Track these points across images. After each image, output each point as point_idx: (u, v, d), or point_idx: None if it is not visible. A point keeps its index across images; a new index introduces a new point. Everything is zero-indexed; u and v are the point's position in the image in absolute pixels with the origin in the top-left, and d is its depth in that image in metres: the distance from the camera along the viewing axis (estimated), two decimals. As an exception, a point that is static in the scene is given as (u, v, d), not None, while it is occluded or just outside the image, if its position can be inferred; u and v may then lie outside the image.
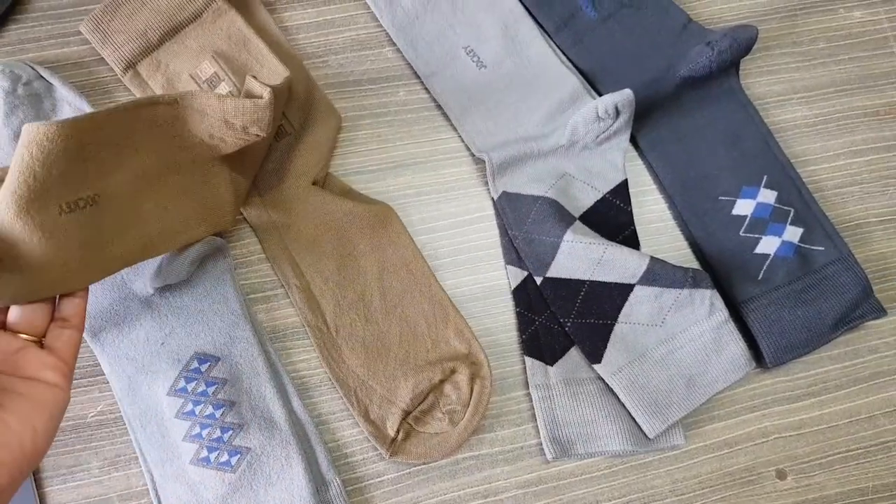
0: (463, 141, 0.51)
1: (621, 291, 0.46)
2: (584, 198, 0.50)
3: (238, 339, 0.46)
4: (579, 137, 0.50)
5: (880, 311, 0.48)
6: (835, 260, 0.49)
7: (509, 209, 0.49)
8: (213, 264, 0.47)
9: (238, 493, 0.44)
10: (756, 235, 0.49)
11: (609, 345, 0.46)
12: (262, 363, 0.46)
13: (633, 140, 0.52)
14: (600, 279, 0.47)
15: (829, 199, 0.52)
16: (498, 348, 0.48)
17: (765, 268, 0.48)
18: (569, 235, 0.47)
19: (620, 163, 0.51)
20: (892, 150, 0.53)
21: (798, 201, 0.50)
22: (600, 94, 0.52)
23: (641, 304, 0.46)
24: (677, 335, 0.46)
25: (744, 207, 0.50)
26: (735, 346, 0.46)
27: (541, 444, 0.46)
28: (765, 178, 0.51)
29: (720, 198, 0.50)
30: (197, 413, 0.45)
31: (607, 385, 0.46)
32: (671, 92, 0.52)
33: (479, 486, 0.45)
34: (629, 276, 0.46)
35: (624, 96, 0.49)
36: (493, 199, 0.50)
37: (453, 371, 0.46)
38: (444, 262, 0.49)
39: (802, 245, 0.49)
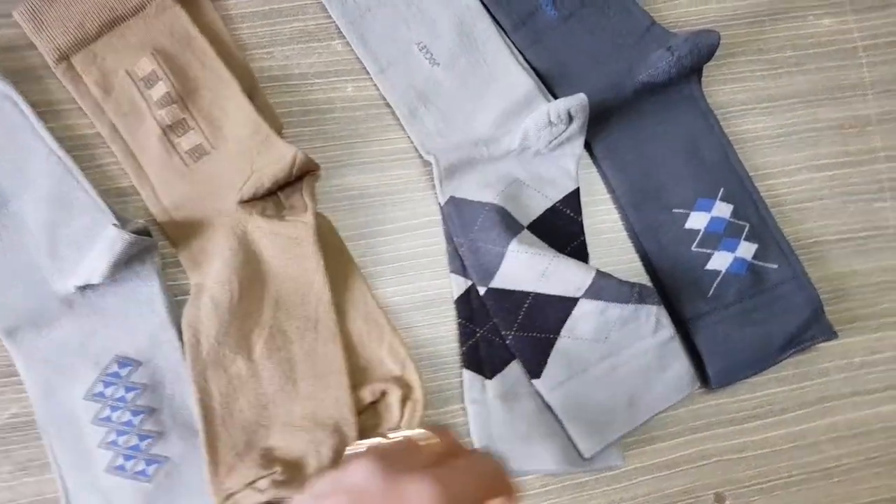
0: (412, 142, 0.49)
1: (565, 305, 0.45)
2: (534, 206, 0.48)
3: (162, 342, 0.44)
4: (531, 143, 0.48)
5: (831, 334, 0.46)
6: (788, 279, 0.47)
7: (456, 215, 0.47)
8: (139, 264, 0.45)
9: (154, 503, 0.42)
10: (708, 251, 0.48)
11: (550, 360, 0.44)
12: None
13: (588, 147, 0.50)
14: (544, 291, 0.45)
15: (787, 214, 0.50)
16: (437, 360, 0.46)
17: (715, 284, 0.47)
18: (514, 245, 0.45)
19: (573, 170, 0.49)
20: (856, 166, 0.52)
21: (754, 216, 0.48)
22: (556, 97, 0.50)
23: (585, 319, 0.44)
24: (620, 352, 0.44)
25: (697, 221, 0.48)
26: (679, 365, 0.44)
27: (475, 461, 0.44)
28: (721, 190, 0.49)
29: (674, 210, 0.48)
30: (114, 419, 0.43)
31: (546, 402, 0.44)
32: (630, 97, 0.50)
33: (410, 501, 0.44)
34: (574, 290, 0.44)
35: (577, 101, 0.47)
36: (439, 204, 0.48)
37: (383, 393, 0.44)
38: (387, 269, 0.47)
39: (756, 262, 0.47)
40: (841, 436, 0.47)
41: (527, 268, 0.45)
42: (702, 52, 0.48)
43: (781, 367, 0.47)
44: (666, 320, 0.45)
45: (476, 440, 0.44)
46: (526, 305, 0.45)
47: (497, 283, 0.45)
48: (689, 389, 0.44)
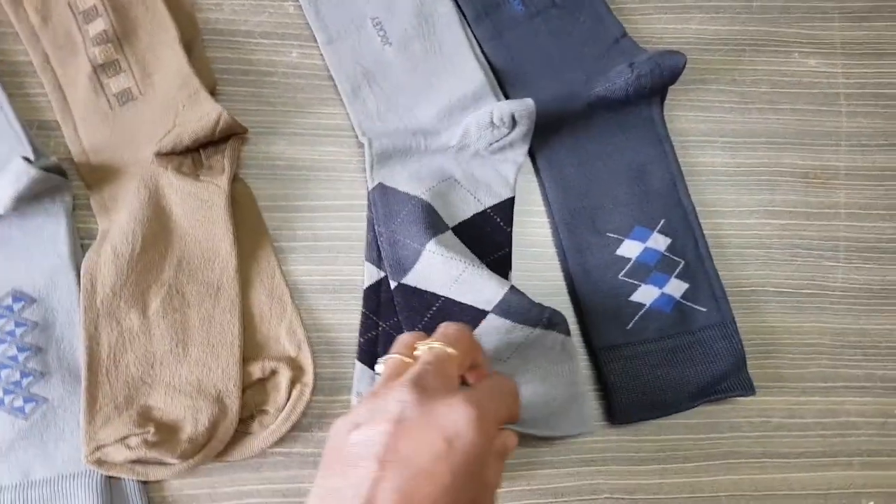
0: (349, 119, 0.47)
1: (474, 316, 0.43)
2: (464, 207, 0.46)
3: (60, 285, 0.43)
4: (471, 141, 0.46)
5: (748, 390, 0.44)
6: (714, 324, 0.45)
7: (381, 203, 0.45)
8: (49, 202, 0.44)
9: (26, 441, 0.41)
10: (635, 282, 0.45)
11: None
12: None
13: (531, 155, 0.48)
14: (456, 298, 0.43)
15: (728, 257, 0.48)
16: (336, 347, 0.45)
17: (637, 318, 0.45)
18: (432, 245, 0.43)
19: (511, 178, 0.47)
20: (812, 219, 0.49)
21: (692, 254, 0.46)
22: (507, 98, 0.48)
23: (490, 335, 0.42)
24: (518, 375, 0.42)
25: (630, 249, 0.46)
26: (577, 402, 0.42)
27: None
28: (662, 221, 0.46)
29: (608, 234, 0.46)
30: (-1, 352, 0.42)
31: None
32: (583, 110, 0.47)
33: (283, 484, 0.43)
34: (484, 302, 0.42)
35: (523, 106, 0.45)
36: (367, 188, 0.46)
37: (273, 372, 0.43)
38: (300, 247, 0.46)
39: (683, 302, 0.45)
40: (743, 495, 0.45)
41: (441, 270, 0.43)
42: (664, 73, 0.46)
43: (692, 413, 0.45)
44: (571, 349, 0.43)
45: None
46: (434, 308, 0.43)
47: (410, 280, 0.44)
48: (582, 429, 0.43)
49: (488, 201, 0.46)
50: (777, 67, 0.51)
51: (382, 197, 0.45)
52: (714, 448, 0.45)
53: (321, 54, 0.48)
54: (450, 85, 0.48)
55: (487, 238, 0.46)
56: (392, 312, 0.44)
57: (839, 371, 0.47)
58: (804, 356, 0.47)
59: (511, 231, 0.46)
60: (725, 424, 0.45)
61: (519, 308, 0.42)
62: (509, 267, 0.46)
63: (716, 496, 0.45)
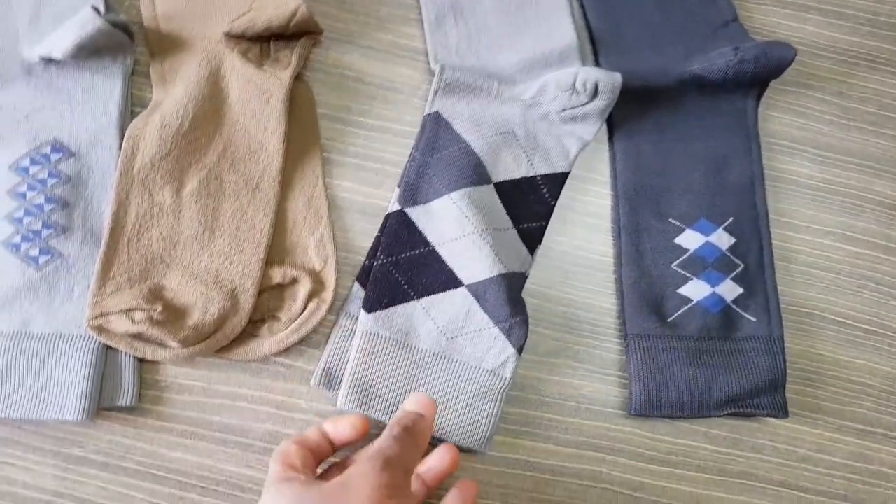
0: (426, 46, 0.45)
1: (446, 280, 0.40)
2: (515, 167, 0.43)
3: (102, 144, 0.42)
4: (545, 100, 0.43)
5: (780, 412, 0.41)
6: (761, 337, 0.42)
7: (430, 132, 0.43)
8: (110, 61, 0.43)
9: (33, 292, 0.40)
10: (688, 274, 0.42)
11: (393, 310, 0.40)
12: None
13: (610, 122, 0.45)
14: (443, 255, 0.40)
15: (792, 273, 0.44)
16: (356, 268, 0.43)
17: (680, 311, 0.42)
18: (456, 195, 0.40)
19: (573, 153, 0.44)
20: (891, 254, 0.45)
21: (754, 260, 0.43)
22: (597, 61, 0.45)
23: (450, 307, 0.39)
24: (450, 359, 0.39)
25: (691, 240, 0.43)
26: (486, 421, 0.39)
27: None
28: (730, 219, 0.43)
29: (671, 219, 0.43)
30: (28, 198, 0.41)
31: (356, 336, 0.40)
32: (675, 86, 0.44)
33: (279, 395, 0.41)
34: (465, 274, 0.40)
35: (610, 78, 0.42)
36: (425, 114, 0.44)
37: (294, 281, 0.41)
38: (349, 162, 0.44)
39: (733, 307, 0.42)
40: (749, 522, 0.42)
41: (449, 222, 0.40)
42: (769, 63, 0.42)
43: (715, 424, 0.42)
44: (510, 371, 0.39)
45: (325, 353, 0.40)
46: (417, 252, 0.41)
47: (413, 213, 0.41)
48: (480, 448, 0.39)
49: (542, 169, 0.43)
50: (890, 90, 0.47)
51: (434, 126, 0.43)
52: (731, 465, 0.42)
53: (414, -28, 0.45)
54: (538, 37, 0.45)
55: (528, 205, 0.43)
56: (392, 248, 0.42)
57: (882, 417, 0.43)
58: (848, 393, 0.43)
59: (554, 205, 0.43)
60: (748, 443, 0.42)
61: (493, 299, 0.39)
62: (539, 241, 0.43)
63: (721, 515, 0.42)
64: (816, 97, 0.47)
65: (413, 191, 0.41)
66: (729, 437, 0.43)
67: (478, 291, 0.39)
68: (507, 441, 0.41)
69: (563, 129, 0.44)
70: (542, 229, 0.43)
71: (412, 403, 0.33)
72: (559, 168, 0.43)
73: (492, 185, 0.41)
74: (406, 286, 0.40)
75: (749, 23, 0.47)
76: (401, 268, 0.40)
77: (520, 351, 0.39)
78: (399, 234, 0.41)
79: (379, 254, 0.40)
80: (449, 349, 0.38)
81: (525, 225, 0.42)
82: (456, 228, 0.40)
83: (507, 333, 0.38)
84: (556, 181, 0.43)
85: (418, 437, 0.32)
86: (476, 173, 0.41)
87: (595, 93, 0.42)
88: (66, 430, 0.40)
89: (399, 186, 0.43)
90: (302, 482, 0.30)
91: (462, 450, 0.38)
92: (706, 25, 0.46)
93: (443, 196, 0.40)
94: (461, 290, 0.39)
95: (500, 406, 0.39)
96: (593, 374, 0.43)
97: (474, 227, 0.39)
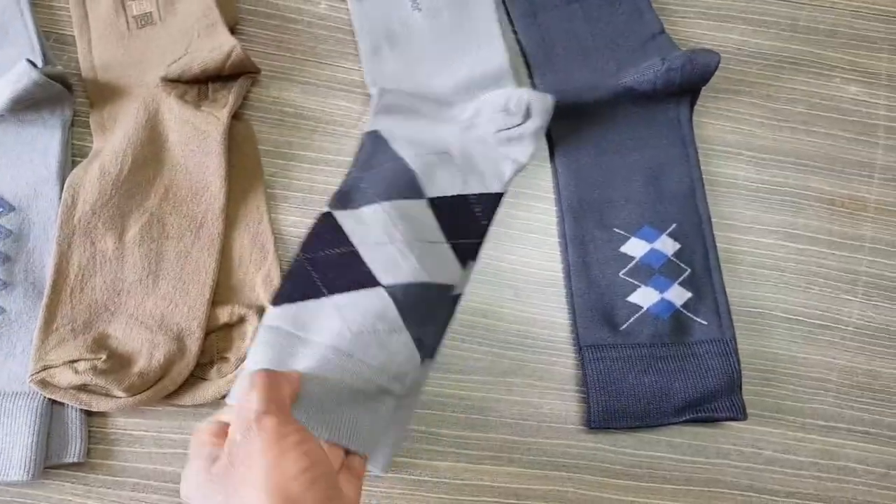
0: (364, 75, 0.46)
1: (365, 280, 0.38)
2: (449, 185, 0.42)
3: (42, 196, 0.42)
4: (481, 122, 0.44)
5: (739, 413, 0.41)
6: (713, 339, 0.42)
7: (367, 150, 0.43)
8: (49, 113, 0.43)
9: (-25, 351, 0.40)
10: (636, 282, 0.43)
11: (301, 305, 0.38)
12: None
13: (549, 138, 0.46)
14: (364, 256, 0.39)
15: (739, 275, 0.45)
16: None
17: (631, 320, 0.42)
18: (388, 205, 0.39)
19: (507, 175, 0.44)
20: (834, 248, 0.46)
21: (700, 263, 0.43)
22: (532, 80, 0.47)
23: (363, 305, 0.37)
24: (351, 356, 0.36)
25: (636, 248, 0.43)
26: (382, 428, 0.37)
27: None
28: (674, 225, 0.44)
29: (615, 229, 0.44)
30: (-33, 255, 0.41)
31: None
32: (609, 100, 0.45)
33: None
34: (385, 277, 0.38)
35: (543, 100, 0.43)
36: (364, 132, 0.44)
37: (242, 319, 0.40)
38: (293, 197, 0.44)
39: (683, 311, 0.42)
40: (721, 529, 0.41)
41: (375, 228, 0.39)
42: (696, 69, 0.44)
43: (677, 432, 0.42)
44: (410, 381, 0.37)
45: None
46: (337, 251, 0.39)
47: (341, 216, 0.40)
48: (376, 465, 0.37)
49: (476, 188, 0.43)
50: (816, 90, 0.49)
51: (372, 144, 0.43)
52: (697, 473, 0.42)
53: (349, 9, 0.46)
54: (472, 61, 0.46)
55: (462, 222, 0.42)
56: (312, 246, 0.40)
57: (843, 412, 0.43)
58: (807, 390, 0.43)
59: (487, 225, 0.42)
60: (713, 449, 0.42)
61: (410, 303, 0.37)
62: (472, 258, 0.42)
63: (692, 526, 0.41)
64: (747, 101, 0.48)
65: (344, 198, 0.41)
66: (692, 444, 0.42)
67: (396, 294, 0.37)
68: (470, 467, 0.41)
69: (499, 151, 0.44)
70: (476, 247, 0.42)
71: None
72: (493, 189, 0.43)
73: (425, 201, 0.41)
74: (320, 283, 0.38)
75: (676, 35, 0.48)
76: (318, 265, 0.39)
77: (427, 360, 0.38)
78: (322, 234, 0.40)
79: (299, 251, 0.39)
80: (352, 347, 0.36)
81: (459, 241, 0.41)
82: (382, 235, 0.39)
83: (419, 342, 0.37)
84: (491, 201, 0.43)
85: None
86: (410, 188, 0.41)
87: (528, 114, 0.43)
88: (13, 493, 0.39)
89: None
90: (202, 466, 0.29)
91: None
92: (634, 39, 0.47)
93: (373, 204, 0.40)
94: (379, 289, 0.37)
95: (402, 416, 0.38)
96: (552, 391, 0.42)
97: (402, 237, 0.39)
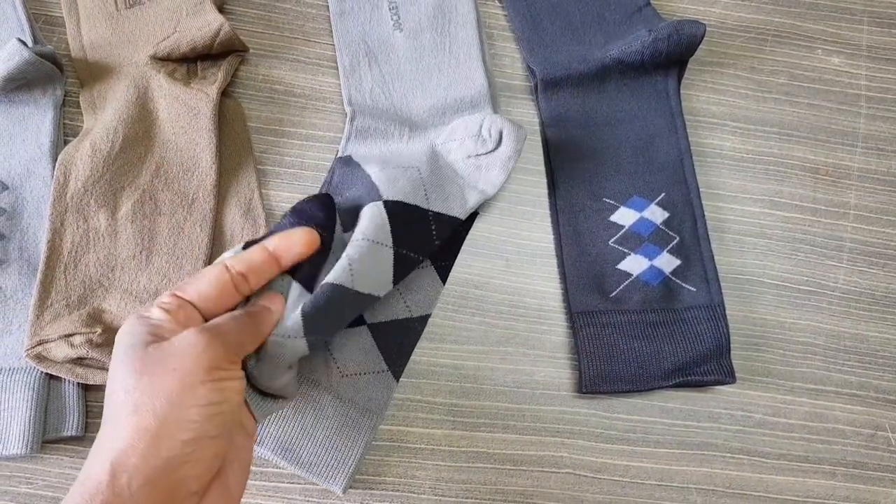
0: (341, 90, 0.46)
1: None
2: (411, 195, 0.40)
3: (35, 175, 0.42)
4: (453, 147, 0.44)
5: (728, 376, 0.41)
6: (701, 305, 0.42)
7: (338, 173, 0.43)
8: (40, 93, 0.43)
9: (-30, 329, 0.40)
10: (625, 250, 0.43)
11: None
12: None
13: (539, 111, 0.47)
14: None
15: (726, 242, 0.46)
16: (307, 278, 0.43)
17: (621, 287, 0.43)
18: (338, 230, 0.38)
19: (469, 204, 0.42)
20: (819, 216, 0.47)
21: (688, 232, 0.44)
22: (527, 57, 0.47)
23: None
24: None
25: (625, 217, 0.44)
26: (357, 459, 0.38)
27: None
28: (662, 195, 0.45)
29: (604, 199, 0.44)
30: (-40, 233, 0.41)
31: None
32: (597, 72, 0.46)
33: (230, 413, 0.41)
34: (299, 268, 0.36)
35: (515, 129, 0.42)
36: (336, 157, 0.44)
37: None
38: (284, 172, 0.44)
39: (673, 278, 0.43)
40: (715, 490, 0.42)
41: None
42: (682, 39, 0.44)
43: (669, 397, 0.43)
44: (380, 404, 0.40)
45: None
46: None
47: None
48: (333, 487, 0.38)
49: (437, 207, 0.41)
50: (798, 61, 0.49)
51: (343, 167, 0.43)
52: (689, 437, 0.42)
53: (331, 24, 0.47)
54: (450, 83, 0.46)
55: (413, 233, 0.39)
56: None
57: (831, 375, 0.44)
58: (795, 354, 0.44)
59: (436, 247, 0.41)
60: (704, 413, 0.43)
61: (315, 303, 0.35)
62: (407, 273, 0.39)
63: (686, 487, 0.42)
64: (731, 74, 0.49)
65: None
66: (684, 409, 0.43)
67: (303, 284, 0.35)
68: (466, 435, 0.41)
69: (468, 179, 0.43)
70: (417, 262, 0.40)
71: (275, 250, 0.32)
72: (454, 212, 0.41)
73: (381, 202, 0.39)
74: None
75: (661, 9, 0.49)
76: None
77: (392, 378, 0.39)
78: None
79: None
80: (291, 334, 0.34)
81: (404, 251, 0.39)
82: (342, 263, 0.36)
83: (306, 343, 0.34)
84: (447, 224, 0.41)
85: (261, 324, 0.31)
86: (371, 197, 0.40)
87: (499, 140, 0.42)
88: (13, 467, 0.39)
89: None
90: (137, 336, 0.28)
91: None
92: (621, 12, 0.48)
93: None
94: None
95: (364, 437, 0.38)
96: (545, 359, 0.43)
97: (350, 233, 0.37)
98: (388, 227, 0.38)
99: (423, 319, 0.42)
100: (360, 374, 0.40)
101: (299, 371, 0.38)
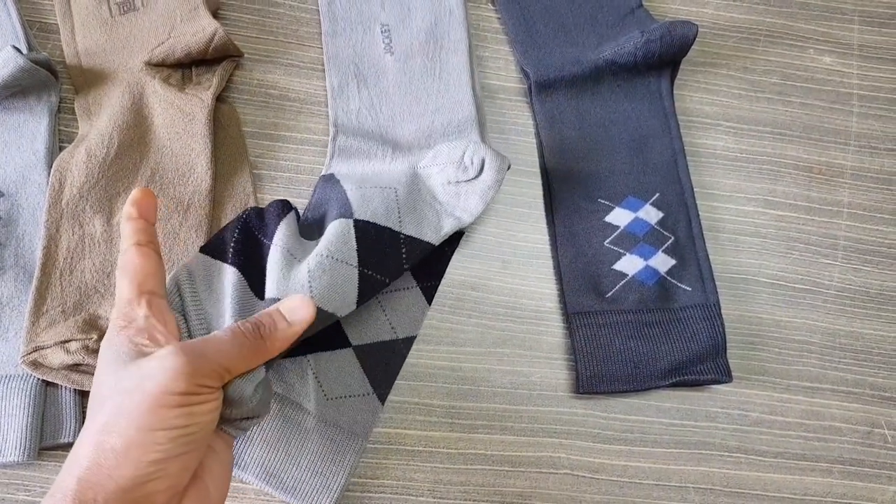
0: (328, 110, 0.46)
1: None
2: (383, 216, 0.40)
3: (31, 182, 0.42)
4: (433, 172, 0.43)
5: (724, 375, 0.41)
6: (697, 304, 0.43)
7: (319, 191, 0.43)
8: (35, 100, 0.43)
9: (-34, 338, 0.40)
10: (621, 250, 0.43)
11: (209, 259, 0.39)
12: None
13: (534, 113, 0.47)
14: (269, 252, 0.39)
15: (721, 242, 0.46)
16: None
17: (617, 287, 0.43)
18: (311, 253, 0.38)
19: (444, 231, 0.41)
20: (813, 214, 0.47)
21: (683, 232, 0.44)
22: (520, 59, 0.47)
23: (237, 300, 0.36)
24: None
25: (620, 217, 0.44)
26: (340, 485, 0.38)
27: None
28: (657, 195, 0.45)
29: (599, 200, 0.45)
30: (-44, 243, 0.41)
31: None
32: (591, 74, 0.46)
33: (228, 417, 0.41)
34: (270, 287, 0.37)
35: (498, 159, 0.42)
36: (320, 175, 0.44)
37: None
38: (280, 177, 0.44)
39: (668, 278, 0.43)
40: (713, 489, 0.42)
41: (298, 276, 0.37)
42: (674, 40, 0.44)
43: (666, 397, 0.43)
44: (364, 427, 0.39)
45: None
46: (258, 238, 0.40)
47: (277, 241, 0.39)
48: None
49: (409, 230, 0.40)
50: (790, 61, 0.50)
51: (324, 185, 0.43)
52: (686, 436, 0.42)
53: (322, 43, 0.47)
54: (438, 108, 0.46)
55: (382, 254, 0.39)
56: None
57: (827, 373, 0.44)
58: (791, 352, 0.44)
59: (405, 271, 0.41)
60: (701, 413, 0.43)
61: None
62: (373, 294, 0.39)
63: (683, 486, 0.42)
64: (723, 74, 0.49)
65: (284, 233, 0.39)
66: (681, 408, 0.43)
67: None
68: (464, 437, 0.41)
69: (445, 205, 0.42)
70: (383, 285, 0.39)
71: (289, 304, 0.32)
72: (426, 237, 0.41)
73: (351, 220, 0.39)
74: (231, 252, 0.39)
75: (653, 10, 0.49)
76: (243, 236, 0.39)
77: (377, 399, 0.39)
78: (248, 243, 0.39)
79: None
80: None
81: (370, 272, 0.38)
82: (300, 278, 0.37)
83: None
84: (418, 248, 0.40)
85: (271, 341, 0.30)
86: (339, 213, 0.40)
87: (481, 169, 0.42)
88: (10, 475, 0.39)
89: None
90: (115, 349, 0.28)
91: None
92: (614, 13, 0.48)
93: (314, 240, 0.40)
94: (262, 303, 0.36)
95: (350, 460, 0.38)
96: (542, 360, 0.43)
97: (315, 244, 0.38)
98: (354, 246, 0.38)
99: (409, 341, 0.42)
100: (344, 396, 0.40)
101: (283, 394, 0.38)
